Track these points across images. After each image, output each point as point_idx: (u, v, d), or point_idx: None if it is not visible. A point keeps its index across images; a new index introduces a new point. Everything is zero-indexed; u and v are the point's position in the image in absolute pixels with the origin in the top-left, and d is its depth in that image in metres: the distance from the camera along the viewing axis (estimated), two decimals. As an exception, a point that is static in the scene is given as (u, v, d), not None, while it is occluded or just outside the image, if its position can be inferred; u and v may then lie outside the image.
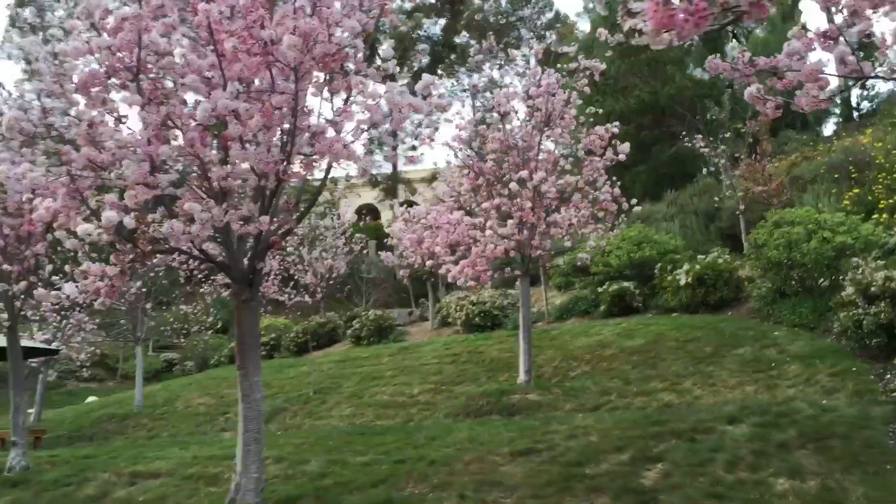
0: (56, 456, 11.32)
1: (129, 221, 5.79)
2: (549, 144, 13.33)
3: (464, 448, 7.83)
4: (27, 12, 38.46)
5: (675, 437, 7.31)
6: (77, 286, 6.72)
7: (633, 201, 13.13)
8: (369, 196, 52.20)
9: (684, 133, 24.08)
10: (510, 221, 12.33)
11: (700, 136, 22.14)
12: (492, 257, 12.78)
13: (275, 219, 6.67)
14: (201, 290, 29.83)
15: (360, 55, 6.33)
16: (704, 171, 27.66)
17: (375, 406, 14.27)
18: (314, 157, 6.39)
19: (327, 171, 6.87)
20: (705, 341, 12.68)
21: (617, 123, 13.05)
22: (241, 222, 6.51)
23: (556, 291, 21.12)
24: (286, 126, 6.27)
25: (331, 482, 7.37)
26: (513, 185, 12.30)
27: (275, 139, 6.31)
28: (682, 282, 15.36)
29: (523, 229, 12.54)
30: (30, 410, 21.54)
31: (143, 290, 20.25)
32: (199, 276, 27.75)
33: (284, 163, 6.21)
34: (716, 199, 21.38)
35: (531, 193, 12.44)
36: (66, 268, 9.60)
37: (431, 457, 7.60)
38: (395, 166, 47.75)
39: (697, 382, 10.91)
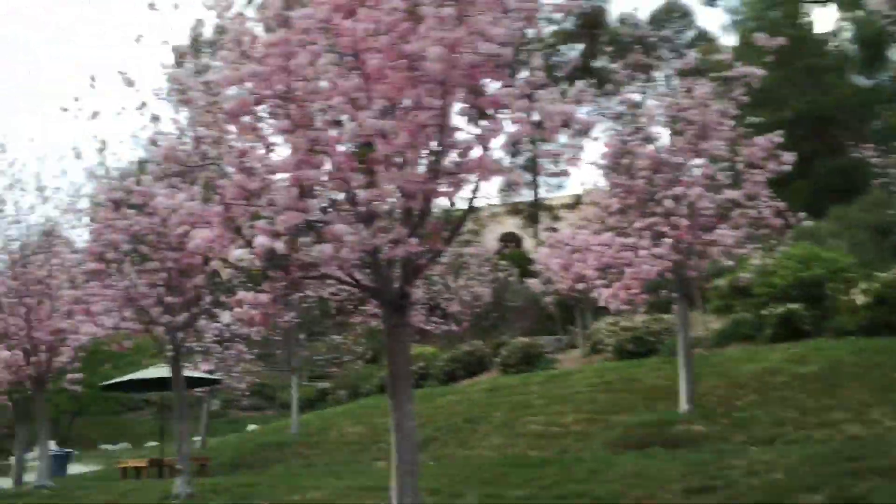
0: (218, 484, 11.57)
1: (279, 247, 5.73)
2: (702, 159, 12.57)
3: (630, 483, 7.27)
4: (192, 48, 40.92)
5: (876, 476, 6.45)
6: (232, 314, 6.77)
7: (802, 215, 12.13)
8: (511, 224, 52.04)
9: (852, 143, 22.35)
10: (665, 241, 11.65)
11: (869, 145, 20.47)
12: (646, 279, 12.12)
13: (423, 241, 6.46)
14: (352, 320, 30.50)
15: (507, 66, 6.04)
16: (874, 182, 25.61)
17: (527, 436, 13.82)
18: (462, 175, 6.15)
19: (475, 189, 6.61)
20: (891, 367, 11.45)
21: (781, 132, 12.12)
22: (391, 245, 6.34)
23: (714, 315, 19.96)
24: (433, 144, 6.06)
25: (488, 517, 7.02)
26: (667, 203, 11.64)
27: (421, 158, 6.13)
28: (860, 302, 14.05)
29: (679, 249, 11.84)
30: (196, 438, 22.55)
31: (297, 320, 20.77)
32: (350, 306, 28.39)
33: (432, 182, 6.00)
34: (890, 212, 19.64)
35: (687, 210, 11.74)
36: (224, 299, 9.82)
37: (596, 492, 7.10)
38: (536, 193, 47.41)
39: (887, 413, 9.80)
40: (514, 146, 6.16)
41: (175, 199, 6.09)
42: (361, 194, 6.23)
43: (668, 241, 11.56)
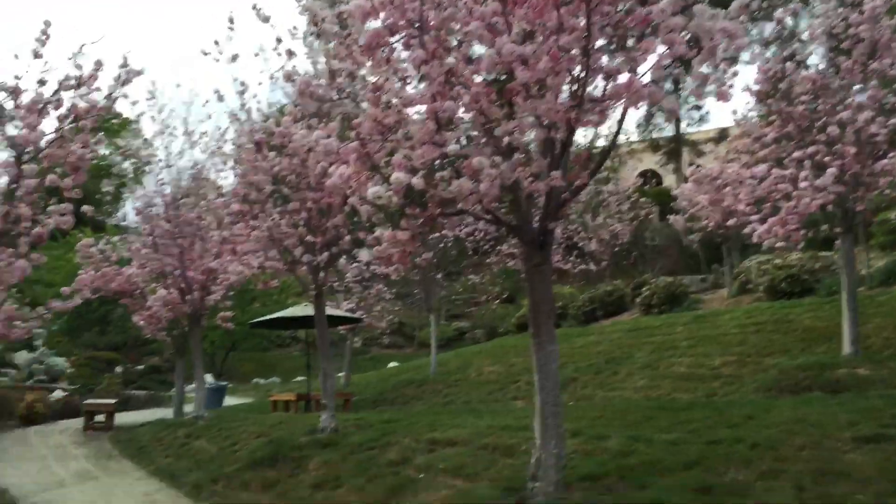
0: (361, 419, 11.83)
1: (417, 182, 5.54)
2: (872, 81, 11.40)
3: (791, 430, 6.75)
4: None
5: None
6: (371, 252, 6.70)
7: None
8: (650, 161, 50.21)
9: None
10: (829, 171, 10.70)
11: None
12: (805, 213, 11.22)
13: (566, 174, 6.10)
14: (488, 260, 30.53)
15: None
16: None
17: (672, 378, 13.33)
18: (608, 102, 5.72)
19: (622, 117, 6.17)
20: None
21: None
22: (531, 179, 6.04)
23: (879, 252, 18.49)
24: (576, 69, 5.65)
25: (635, 461, 6.71)
26: (831, 130, 10.67)
27: (564, 85, 5.73)
28: None
29: (844, 180, 10.86)
30: (340, 374, 23.33)
31: (434, 260, 20.88)
32: (486, 246, 28.36)
33: (576, 110, 5.61)
34: None
35: (853, 138, 10.73)
36: (363, 237, 9.82)
37: (752, 439, 6.64)
38: (678, 127, 45.41)
39: None
40: (665, 70, 5.63)
41: (315, 134, 5.97)
42: (500, 126, 5.94)
43: (832, 171, 10.60)
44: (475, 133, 6.34)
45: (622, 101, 5.60)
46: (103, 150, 68.20)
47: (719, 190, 16.47)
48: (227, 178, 13.79)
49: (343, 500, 8.17)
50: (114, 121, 52.92)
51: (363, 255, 6.64)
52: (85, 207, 7.47)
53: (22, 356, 35.11)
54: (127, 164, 54.90)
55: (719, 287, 23.62)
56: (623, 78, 5.65)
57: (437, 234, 20.09)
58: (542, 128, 5.88)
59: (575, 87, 5.76)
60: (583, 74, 5.57)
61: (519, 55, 5.36)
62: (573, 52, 5.52)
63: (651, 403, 11.02)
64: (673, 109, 5.72)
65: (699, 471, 6.15)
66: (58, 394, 24.26)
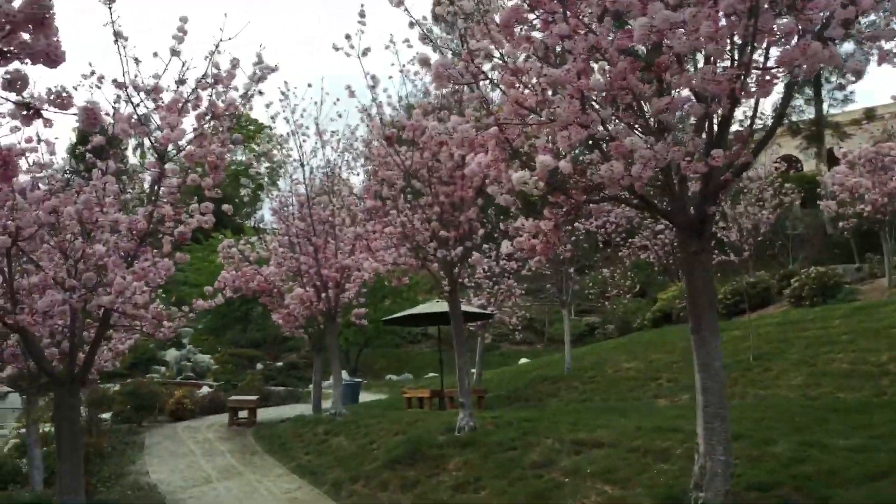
0: (498, 417, 11.51)
1: (564, 166, 5.14)
2: None
3: None
4: None
5: None
6: (512, 244, 6.34)
7: None
8: (789, 146, 47.45)
9: None
10: None
11: None
12: None
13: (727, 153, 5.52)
14: (619, 253, 29.59)
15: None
16: None
17: (833, 375, 12.28)
18: (777, 69, 5.11)
19: (789, 86, 5.54)
20: None
21: None
22: (687, 159, 5.50)
23: None
24: (739, 34, 5.08)
25: (810, 469, 6.05)
26: None
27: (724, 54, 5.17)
28: None
29: None
30: (472, 371, 23.13)
31: (567, 253, 20.32)
32: (617, 239, 27.47)
33: (739, 80, 5.03)
34: None
35: None
36: (502, 227, 9.45)
37: (952, 446, 5.85)
38: (819, 108, 42.65)
39: None
40: (843, 28, 4.97)
41: (448, 124, 5.67)
42: (651, 103, 5.45)
43: None
44: (622, 113, 5.87)
45: (794, 66, 4.98)
46: (240, 156, 71.29)
47: (878, 172, 15.17)
48: (359, 176, 13.80)
49: (486, 504, 7.88)
50: (250, 126, 55.12)
51: (503, 246, 6.26)
52: (225, 207, 7.46)
53: (171, 354, 37.05)
54: (263, 169, 57.06)
55: (876, 277, 21.86)
56: (795, 40, 5.05)
57: (569, 227, 19.54)
58: (700, 102, 5.35)
59: (737, 54, 5.21)
60: (748, 39, 5.00)
61: (674, 22, 4.85)
62: (733, 18, 4.96)
63: (815, 404, 10.15)
64: (859, 70, 5.07)
65: (889, 483, 5.44)
66: (204, 390, 25.32)
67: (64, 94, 3.03)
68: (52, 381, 6.51)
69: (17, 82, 2.97)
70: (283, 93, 14.73)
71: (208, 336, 40.17)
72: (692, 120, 6.08)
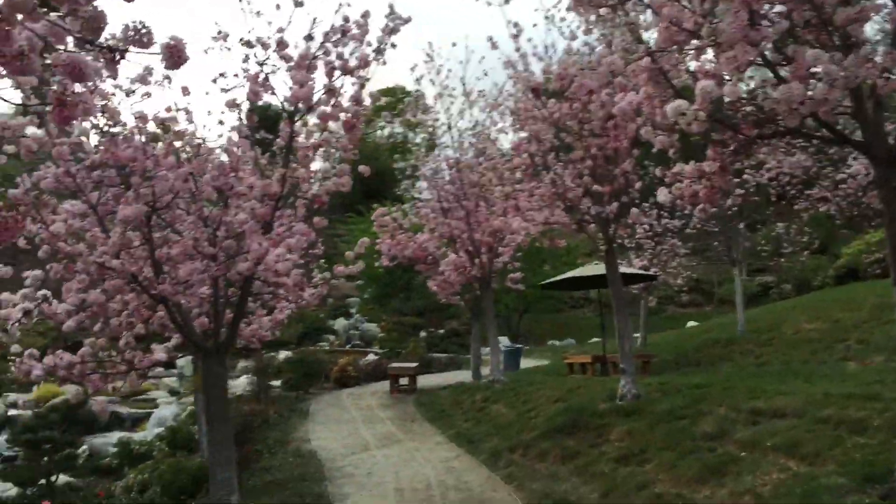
0: (665, 383, 10.73)
1: (730, 91, 4.39)
2: None
3: None
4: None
5: None
6: (669, 191, 5.62)
7: None
8: None
9: None
10: None
11: None
12: None
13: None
14: (795, 207, 27.35)
15: None
16: None
17: None
18: None
19: None
20: None
21: None
22: (883, 77, 4.59)
23: None
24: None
25: None
26: None
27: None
28: None
29: None
30: (636, 335, 22.20)
31: (735, 208, 18.89)
32: (792, 191, 25.35)
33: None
34: None
35: None
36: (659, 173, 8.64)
37: None
38: None
39: None
40: None
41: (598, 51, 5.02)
42: (837, 13, 4.58)
43: None
44: (799, 27, 4.99)
45: None
46: (398, 129, 72.36)
47: None
48: (507, 135, 13.27)
49: (651, 479, 7.22)
50: (405, 99, 55.70)
51: (661, 194, 5.56)
52: (362, 168, 7.13)
53: (340, 323, 38.40)
54: (420, 139, 57.63)
55: None
56: None
57: (737, 180, 18.10)
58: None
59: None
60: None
61: None
62: None
63: None
64: None
65: None
66: (370, 358, 25.88)
67: (143, 31, 2.70)
68: (198, 350, 6.50)
69: (96, 22, 2.67)
70: (427, 54, 14.41)
71: (374, 305, 41.24)
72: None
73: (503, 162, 12.34)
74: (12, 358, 5.80)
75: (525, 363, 23.55)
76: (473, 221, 14.88)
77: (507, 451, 9.88)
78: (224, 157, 6.18)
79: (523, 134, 10.72)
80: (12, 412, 16.07)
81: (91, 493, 9.32)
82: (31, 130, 5.40)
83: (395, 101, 59.69)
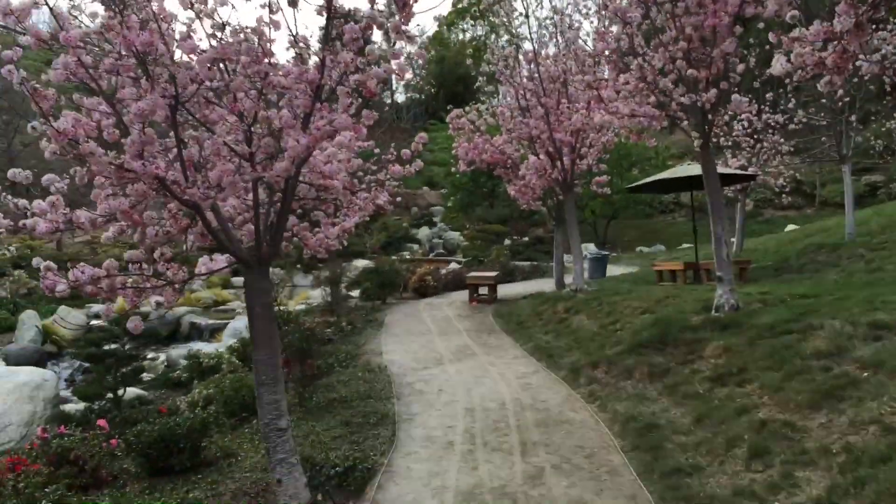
0: (767, 293, 9.65)
1: None
2: None
3: None
4: None
5: None
6: (788, 61, 4.52)
7: None
8: None
9: None
10: None
11: None
12: None
13: None
14: (912, 98, 24.87)
15: None
16: None
17: None
18: None
19: None
20: None
21: None
22: None
23: None
24: None
25: None
26: None
27: None
28: None
29: None
30: (732, 240, 20.82)
31: (846, 99, 17.07)
32: (910, 80, 22.95)
33: None
34: None
35: None
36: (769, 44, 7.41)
37: None
38: None
39: None
40: None
41: None
42: None
43: None
44: None
45: None
46: (479, 31, 69.98)
47: None
48: (590, 21, 11.93)
49: (752, 402, 6.32)
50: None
51: (775, 65, 4.46)
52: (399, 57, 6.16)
53: (423, 232, 38.10)
54: (503, 42, 55.50)
55: None
56: None
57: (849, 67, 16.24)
58: None
59: None
60: None
61: None
62: None
63: None
64: None
65: None
66: (453, 266, 25.36)
67: None
68: (238, 262, 5.86)
69: None
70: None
71: (457, 213, 40.70)
72: None
73: (584, 49, 11.12)
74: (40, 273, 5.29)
75: (612, 270, 22.55)
76: (554, 120, 13.75)
77: (588, 367, 9.11)
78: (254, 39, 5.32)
79: (608, 11, 9.48)
80: (94, 323, 16.28)
81: (154, 408, 9.07)
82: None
83: (477, 1, 57.45)
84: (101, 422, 7.58)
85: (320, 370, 9.36)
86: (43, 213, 5.38)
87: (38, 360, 13.68)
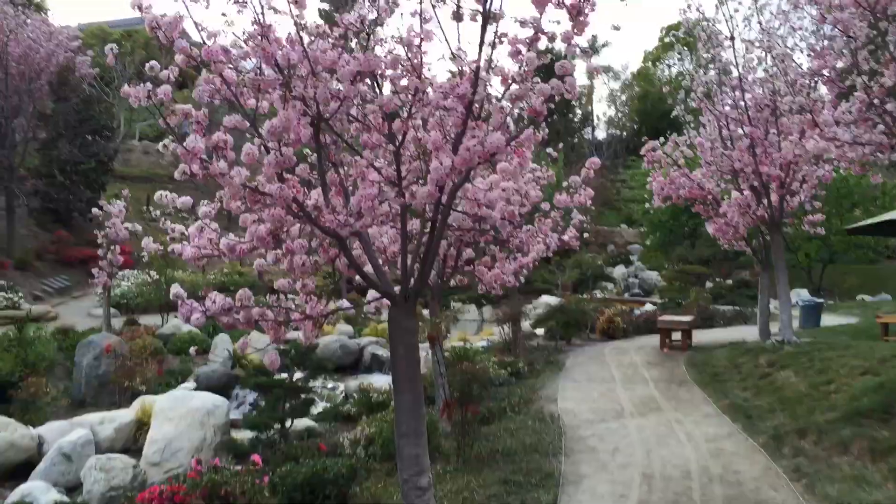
0: None
1: None
2: None
3: None
4: None
5: None
6: None
7: None
8: None
9: None
10: None
11: None
12: None
13: None
14: None
15: None
16: None
17: None
18: None
19: None
20: None
21: None
22: None
23: None
24: None
25: None
26: None
27: None
28: None
29: None
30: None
31: None
32: None
33: None
34: None
35: None
36: None
37: None
38: None
39: None
40: None
41: None
42: None
43: None
44: None
45: None
46: (688, 64, 67.58)
47: None
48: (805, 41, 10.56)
49: None
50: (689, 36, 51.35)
51: None
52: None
53: (619, 271, 36.79)
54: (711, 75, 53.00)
55: None
56: None
57: None
58: None
59: None
60: None
61: None
62: None
63: None
64: None
65: None
66: (647, 307, 23.96)
67: None
68: (384, 297, 5.36)
69: None
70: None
71: (656, 252, 39.00)
72: None
73: (805, 75, 9.76)
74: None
75: (826, 320, 20.18)
76: (761, 152, 12.36)
77: (794, 434, 7.78)
78: (401, 51, 4.83)
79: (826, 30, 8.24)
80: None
81: (315, 443, 8.80)
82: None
83: (685, 37, 55.38)
84: (256, 457, 7.37)
85: (485, 416, 8.69)
86: (191, 238, 5.21)
87: (227, 383, 14.04)
